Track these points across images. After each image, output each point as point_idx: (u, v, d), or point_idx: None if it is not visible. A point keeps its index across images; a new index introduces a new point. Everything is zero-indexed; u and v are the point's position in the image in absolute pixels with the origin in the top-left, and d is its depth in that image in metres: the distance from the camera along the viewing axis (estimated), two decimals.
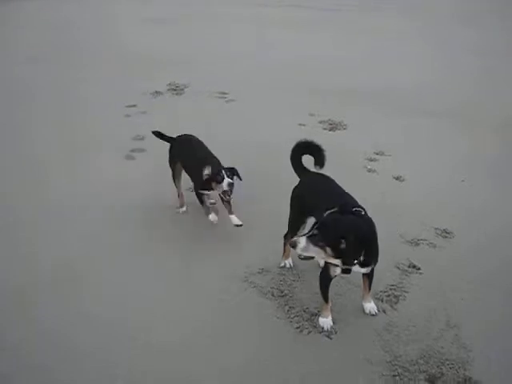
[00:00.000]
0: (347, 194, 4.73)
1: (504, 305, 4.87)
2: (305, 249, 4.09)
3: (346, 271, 4.33)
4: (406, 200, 6.63)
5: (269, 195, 6.67)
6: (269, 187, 6.90)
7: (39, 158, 7.94)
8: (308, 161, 5.19)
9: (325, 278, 4.49)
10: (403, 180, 7.27)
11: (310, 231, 4.14)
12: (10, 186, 7.09)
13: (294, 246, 4.11)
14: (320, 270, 4.63)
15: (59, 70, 13.17)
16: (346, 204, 4.34)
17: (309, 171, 5.17)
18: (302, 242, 4.07)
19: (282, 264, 5.35)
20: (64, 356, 4.23)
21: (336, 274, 4.40)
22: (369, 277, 4.60)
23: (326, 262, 4.43)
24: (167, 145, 6.28)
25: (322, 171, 5.05)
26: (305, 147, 5.15)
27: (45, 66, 13.49)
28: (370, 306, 4.73)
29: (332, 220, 4.12)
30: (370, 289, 4.68)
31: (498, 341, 4.43)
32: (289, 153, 5.20)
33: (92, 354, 4.27)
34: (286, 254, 5.35)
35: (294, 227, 5.09)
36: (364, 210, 4.36)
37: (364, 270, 4.36)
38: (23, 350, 4.31)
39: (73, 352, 4.27)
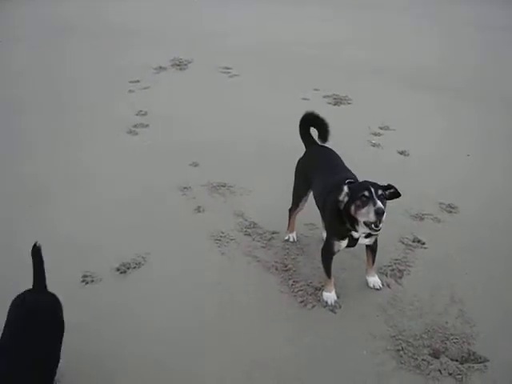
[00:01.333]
0: (346, 168, 4.73)
1: (509, 279, 4.85)
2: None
3: (352, 244, 4.32)
4: (410, 175, 6.58)
5: (272, 167, 6.67)
6: (271, 158, 6.91)
7: (43, 132, 7.95)
8: (315, 134, 5.14)
9: (327, 252, 4.46)
10: (408, 155, 7.23)
11: (370, 196, 3.93)
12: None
13: (381, 215, 3.86)
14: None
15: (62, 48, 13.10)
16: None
17: (313, 143, 5.11)
18: (381, 205, 3.89)
19: (286, 237, 5.33)
20: None
21: (340, 248, 4.37)
22: (372, 250, 4.57)
23: (328, 237, 4.45)
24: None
25: (327, 145, 5.01)
26: (310, 119, 5.08)
27: (42, 48, 13.41)
28: (374, 280, 4.71)
29: (368, 181, 4.12)
30: (373, 262, 4.65)
31: (502, 315, 4.41)
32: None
33: None
34: (290, 228, 5.32)
35: (296, 199, 5.09)
36: None
37: (368, 241, 4.37)
38: None
39: None
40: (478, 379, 3.81)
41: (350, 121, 8.14)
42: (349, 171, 4.68)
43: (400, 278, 4.81)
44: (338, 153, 4.97)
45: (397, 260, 5.03)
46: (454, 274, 4.88)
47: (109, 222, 5.69)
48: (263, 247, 5.25)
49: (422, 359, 3.94)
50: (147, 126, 8.14)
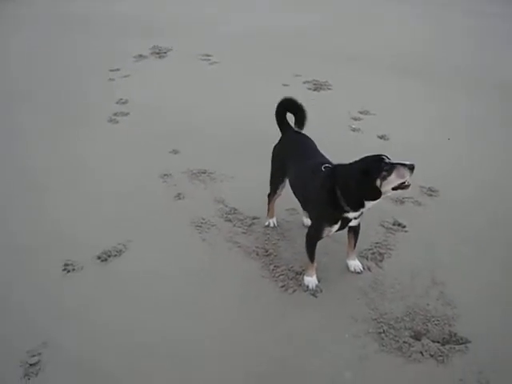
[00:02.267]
0: (320, 154, 4.70)
1: (489, 261, 4.87)
2: None
3: (343, 226, 4.29)
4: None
5: (253, 153, 6.65)
6: (251, 144, 6.89)
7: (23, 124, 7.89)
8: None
9: (314, 238, 4.42)
10: (388, 139, 7.22)
11: (390, 161, 3.91)
12: None
13: (412, 167, 3.84)
14: (306, 229, 4.58)
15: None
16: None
17: (289, 129, 5.04)
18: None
19: (267, 223, 5.32)
20: None
21: (330, 233, 4.34)
22: (355, 232, 4.55)
23: (316, 223, 4.42)
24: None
25: (306, 130, 4.97)
26: (287, 105, 4.99)
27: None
28: (355, 263, 4.71)
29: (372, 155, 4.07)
30: (355, 246, 4.64)
31: (482, 297, 4.43)
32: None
33: None
34: (270, 213, 5.31)
35: (273, 185, 5.06)
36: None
37: (356, 222, 4.35)
38: None
39: None
40: (459, 360, 3.82)
41: (330, 106, 8.13)
42: (323, 157, 4.64)
43: (381, 261, 4.82)
44: (318, 138, 4.93)
45: (377, 243, 5.03)
46: (435, 256, 4.89)
47: (90, 211, 5.65)
48: (244, 233, 5.23)
49: (404, 341, 3.95)
50: (127, 114, 8.08)
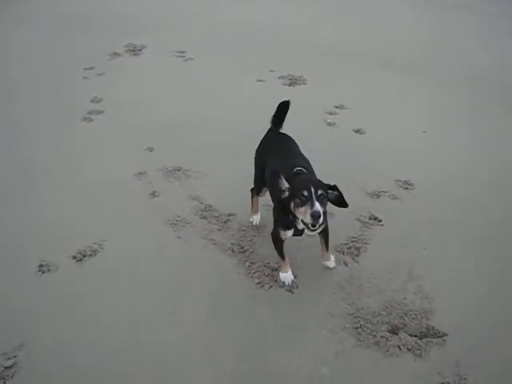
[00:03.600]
0: (299, 155, 4.63)
1: (465, 255, 4.88)
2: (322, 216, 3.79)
3: (298, 233, 4.25)
4: (366, 153, 6.56)
5: (227, 149, 6.62)
6: (226, 141, 6.83)
7: None
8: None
9: (275, 238, 4.40)
10: (363, 133, 7.19)
11: (309, 196, 3.78)
12: None
13: (316, 219, 3.72)
14: None
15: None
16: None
17: (271, 129, 4.95)
18: (319, 208, 3.73)
19: (251, 219, 5.24)
20: None
21: (287, 237, 4.30)
22: (324, 236, 4.50)
23: (274, 225, 4.40)
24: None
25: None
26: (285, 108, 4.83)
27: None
28: (330, 263, 4.68)
29: (311, 178, 4.08)
30: (327, 248, 4.59)
31: (460, 290, 4.43)
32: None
33: None
34: (254, 209, 5.23)
35: (256, 186, 4.99)
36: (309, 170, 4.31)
37: (314, 233, 4.11)
38: None
39: None
40: (437, 354, 3.84)
41: (305, 100, 8.08)
42: (301, 157, 4.57)
43: (357, 255, 4.80)
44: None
45: (354, 238, 5.02)
46: (412, 250, 4.89)
47: (64, 210, 5.58)
48: (219, 230, 5.19)
49: (381, 336, 3.96)
50: (102, 112, 7.98)
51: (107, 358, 3.85)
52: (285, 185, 3.97)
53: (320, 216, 3.70)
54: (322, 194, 3.83)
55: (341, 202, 4.04)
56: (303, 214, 3.81)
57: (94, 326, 4.12)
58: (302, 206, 3.80)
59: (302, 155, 4.63)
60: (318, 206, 3.71)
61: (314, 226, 3.80)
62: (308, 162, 4.52)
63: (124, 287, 4.51)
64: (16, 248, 5.00)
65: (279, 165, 4.37)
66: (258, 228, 5.19)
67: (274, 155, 4.63)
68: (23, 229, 5.28)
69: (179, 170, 6.22)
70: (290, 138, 4.84)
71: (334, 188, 4.00)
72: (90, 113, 7.95)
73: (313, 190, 3.78)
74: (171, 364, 3.80)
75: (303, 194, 3.78)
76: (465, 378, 3.63)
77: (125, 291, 4.47)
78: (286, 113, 4.84)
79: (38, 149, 6.91)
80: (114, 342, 3.97)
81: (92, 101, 8.39)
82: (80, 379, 3.71)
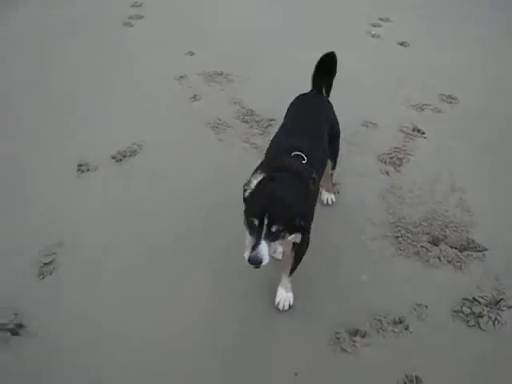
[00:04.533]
0: (310, 134, 3.49)
1: (507, 169, 4.82)
2: (269, 255, 2.73)
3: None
4: (410, 66, 6.44)
5: (269, 54, 6.51)
6: (267, 46, 6.74)
7: None
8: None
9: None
10: (408, 45, 7.03)
11: (256, 231, 2.73)
12: None
13: (259, 263, 2.70)
14: None
15: None
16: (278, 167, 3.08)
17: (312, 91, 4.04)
18: (264, 252, 2.69)
19: None
20: None
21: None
22: (296, 251, 3.33)
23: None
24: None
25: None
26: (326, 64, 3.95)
27: None
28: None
29: (280, 196, 2.80)
30: (291, 272, 3.49)
31: (501, 204, 4.40)
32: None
33: None
34: None
35: None
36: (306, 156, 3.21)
37: (292, 237, 3.05)
38: None
39: None
40: (476, 267, 3.82)
41: (348, 12, 7.90)
42: (315, 139, 3.50)
43: (399, 165, 4.76)
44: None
45: (396, 148, 4.96)
46: (454, 163, 4.83)
47: (103, 113, 5.58)
48: (260, 134, 5.16)
49: (421, 246, 3.94)
50: (142, 17, 7.88)
51: (142, 261, 3.86)
52: (248, 184, 3.02)
53: (261, 263, 2.69)
54: (278, 230, 2.73)
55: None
56: (245, 246, 2.93)
57: (137, 225, 4.14)
58: (249, 233, 2.82)
59: (319, 136, 3.57)
60: (261, 251, 2.68)
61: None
62: (321, 145, 3.55)
63: (163, 185, 4.53)
64: (56, 146, 5.01)
65: (282, 139, 3.54)
66: None
67: (288, 122, 3.78)
68: (62, 130, 5.29)
69: (221, 75, 6.16)
70: (323, 105, 3.94)
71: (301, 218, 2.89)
72: (130, 18, 7.86)
73: (266, 221, 2.70)
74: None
75: (253, 222, 2.74)
76: (503, 293, 3.62)
77: (163, 189, 4.48)
78: (330, 71, 3.99)
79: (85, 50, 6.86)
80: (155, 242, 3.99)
81: (132, 5, 8.29)
82: (112, 281, 3.71)
